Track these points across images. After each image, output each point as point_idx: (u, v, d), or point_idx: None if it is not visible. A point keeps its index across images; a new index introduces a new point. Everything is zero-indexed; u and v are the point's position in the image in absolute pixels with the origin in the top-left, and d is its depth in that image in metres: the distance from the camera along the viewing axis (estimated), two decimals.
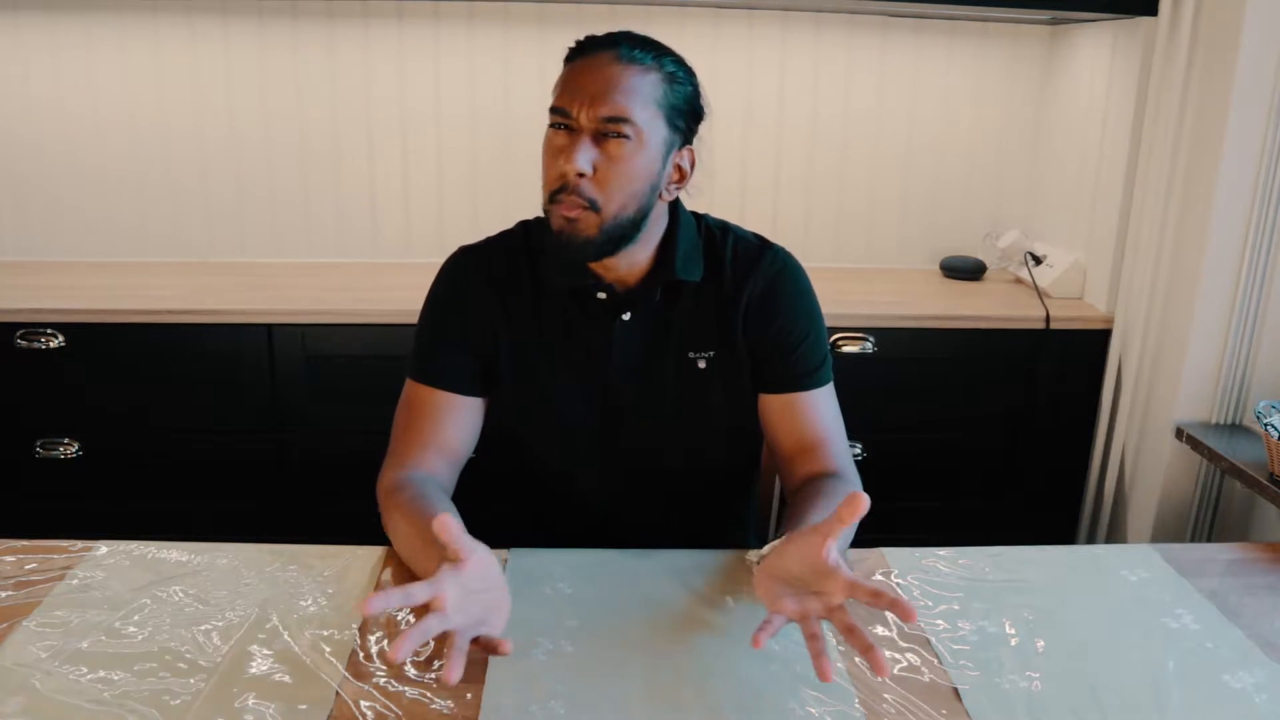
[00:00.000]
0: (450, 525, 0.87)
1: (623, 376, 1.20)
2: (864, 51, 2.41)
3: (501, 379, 1.21)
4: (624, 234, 1.11)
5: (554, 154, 1.09)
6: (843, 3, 2.25)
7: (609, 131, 1.06)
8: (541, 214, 1.16)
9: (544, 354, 1.20)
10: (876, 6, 2.27)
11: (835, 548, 0.89)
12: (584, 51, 1.11)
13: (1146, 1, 1.95)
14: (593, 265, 1.16)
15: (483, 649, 0.91)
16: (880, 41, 2.40)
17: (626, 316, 1.18)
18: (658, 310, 1.19)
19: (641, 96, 1.07)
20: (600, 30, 1.14)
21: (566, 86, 1.09)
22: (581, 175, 1.06)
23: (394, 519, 1.08)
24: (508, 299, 1.20)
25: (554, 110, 1.10)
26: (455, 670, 0.81)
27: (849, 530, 1.01)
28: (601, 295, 1.18)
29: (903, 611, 0.82)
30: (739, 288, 1.20)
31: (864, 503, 0.88)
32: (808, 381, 1.20)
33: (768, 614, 0.90)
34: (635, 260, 1.17)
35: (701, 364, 1.20)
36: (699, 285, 1.19)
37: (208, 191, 2.40)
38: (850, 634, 0.86)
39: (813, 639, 0.87)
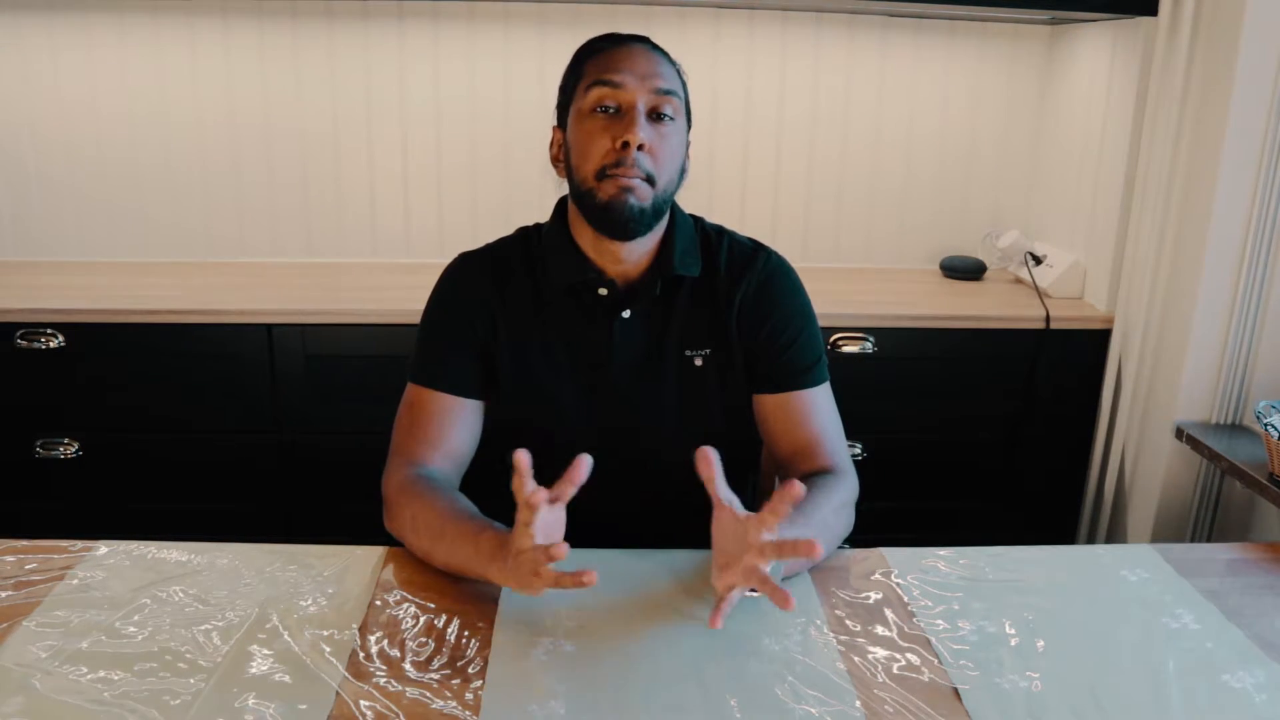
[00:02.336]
0: (524, 461, 0.94)
1: (622, 375, 1.21)
2: (864, 52, 2.41)
3: (502, 379, 1.21)
4: (662, 210, 1.16)
5: (603, 130, 1.12)
6: (843, 3, 2.25)
7: (660, 108, 1.12)
8: (533, 221, 1.19)
9: (544, 354, 1.21)
10: (877, 6, 2.27)
11: (758, 528, 0.93)
12: (613, 42, 1.16)
13: (1146, 1, 1.95)
14: (597, 260, 1.19)
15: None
16: (880, 41, 2.40)
17: (626, 314, 1.20)
18: (656, 308, 1.21)
19: (676, 81, 1.15)
20: (604, 30, 1.17)
21: (612, 65, 1.13)
22: (641, 147, 1.10)
23: (413, 509, 1.09)
24: (508, 302, 1.21)
25: (601, 83, 1.11)
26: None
27: (819, 522, 1.08)
28: (603, 291, 1.19)
29: (806, 547, 0.89)
30: (733, 288, 1.22)
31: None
32: (802, 380, 1.21)
33: (718, 596, 0.96)
34: (640, 253, 1.19)
35: (698, 361, 1.21)
36: (695, 283, 1.22)
37: (208, 191, 2.40)
38: (759, 581, 0.92)
39: (763, 584, 0.91)
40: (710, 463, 0.97)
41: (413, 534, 1.10)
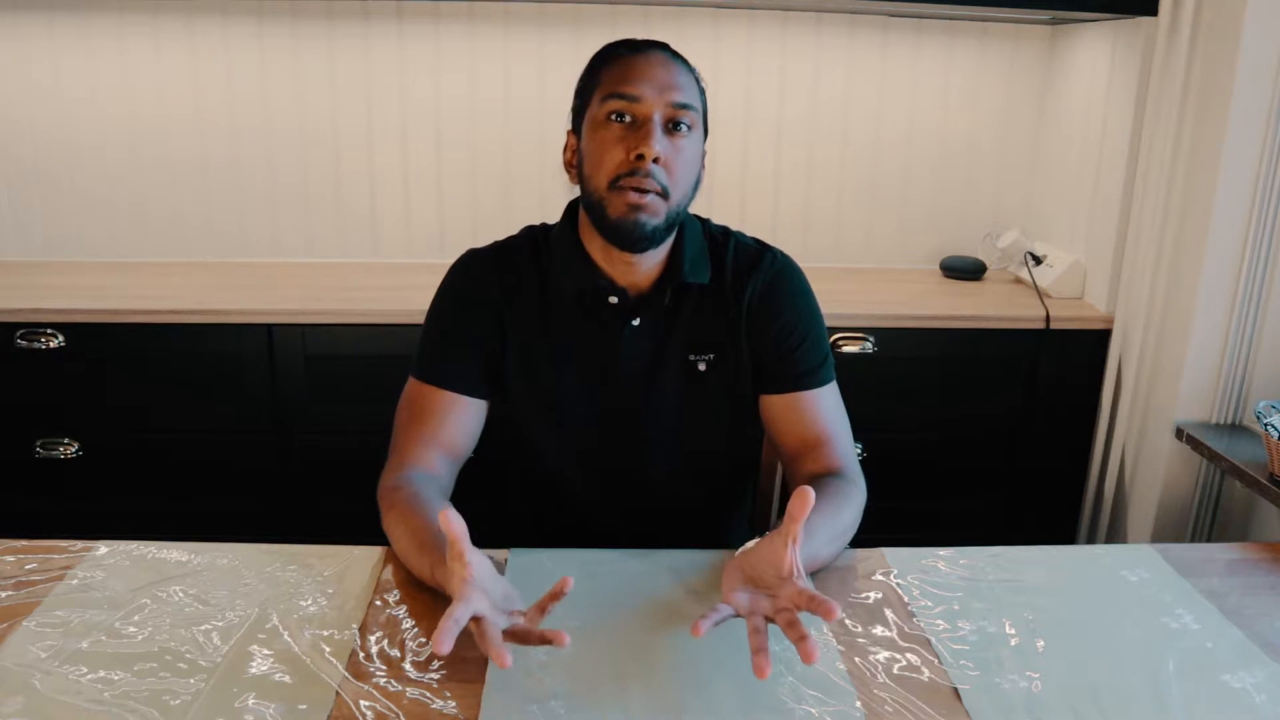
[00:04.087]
0: (454, 522, 0.87)
1: (628, 380, 1.21)
2: (864, 51, 2.41)
3: (507, 380, 1.21)
4: (676, 223, 1.15)
5: (617, 140, 1.10)
6: (843, 3, 2.25)
7: (678, 120, 1.11)
8: (534, 221, 1.17)
9: (549, 357, 1.21)
10: (877, 6, 2.27)
11: (795, 554, 0.91)
12: (632, 49, 1.14)
13: (1146, 1, 1.95)
14: (607, 269, 1.18)
15: (537, 641, 0.88)
16: (880, 41, 2.40)
17: (636, 322, 1.19)
18: (665, 314, 1.20)
19: (694, 92, 1.14)
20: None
21: (631, 76, 1.11)
22: (656, 160, 1.09)
23: (391, 519, 1.09)
24: (515, 301, 1.21)
25: (618, 96, 1.10)
26: (446, 642, 0.79)
27: (830, 530, 1.06)
28: (613, 300, 1.18)
29: (825, 609, 0.83)
30: (740, 290, 1.21)
31: (810, 497, 0.89)
32: (809, 380, 1.21)
33: (719, 603, 0.92)
34: (651, 263, 1.18)
35: (702, 366, 1.21)
36: (703, 288, 1.21)
37: (208, 191, 2.40)
38: (790, 628, 0.86)
39: (754, 633, 0.88)
40: (806, 504, 0.89)
41: (391, 541, 1.10)
